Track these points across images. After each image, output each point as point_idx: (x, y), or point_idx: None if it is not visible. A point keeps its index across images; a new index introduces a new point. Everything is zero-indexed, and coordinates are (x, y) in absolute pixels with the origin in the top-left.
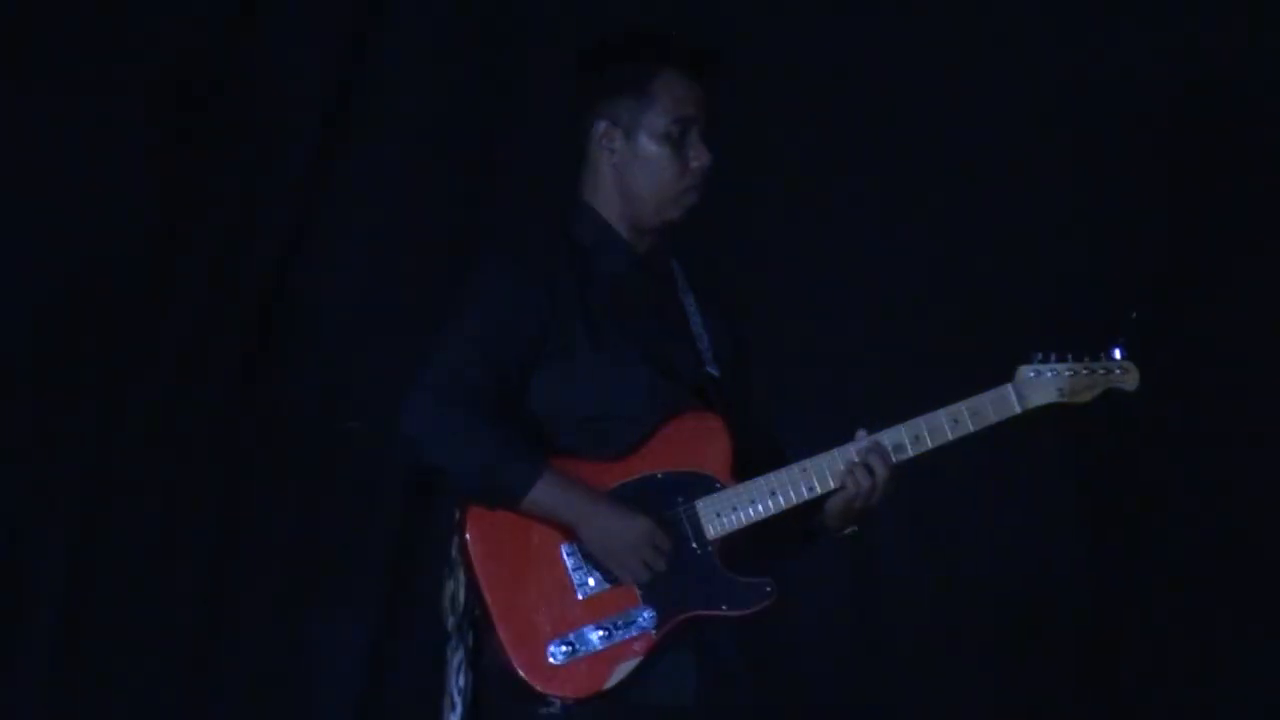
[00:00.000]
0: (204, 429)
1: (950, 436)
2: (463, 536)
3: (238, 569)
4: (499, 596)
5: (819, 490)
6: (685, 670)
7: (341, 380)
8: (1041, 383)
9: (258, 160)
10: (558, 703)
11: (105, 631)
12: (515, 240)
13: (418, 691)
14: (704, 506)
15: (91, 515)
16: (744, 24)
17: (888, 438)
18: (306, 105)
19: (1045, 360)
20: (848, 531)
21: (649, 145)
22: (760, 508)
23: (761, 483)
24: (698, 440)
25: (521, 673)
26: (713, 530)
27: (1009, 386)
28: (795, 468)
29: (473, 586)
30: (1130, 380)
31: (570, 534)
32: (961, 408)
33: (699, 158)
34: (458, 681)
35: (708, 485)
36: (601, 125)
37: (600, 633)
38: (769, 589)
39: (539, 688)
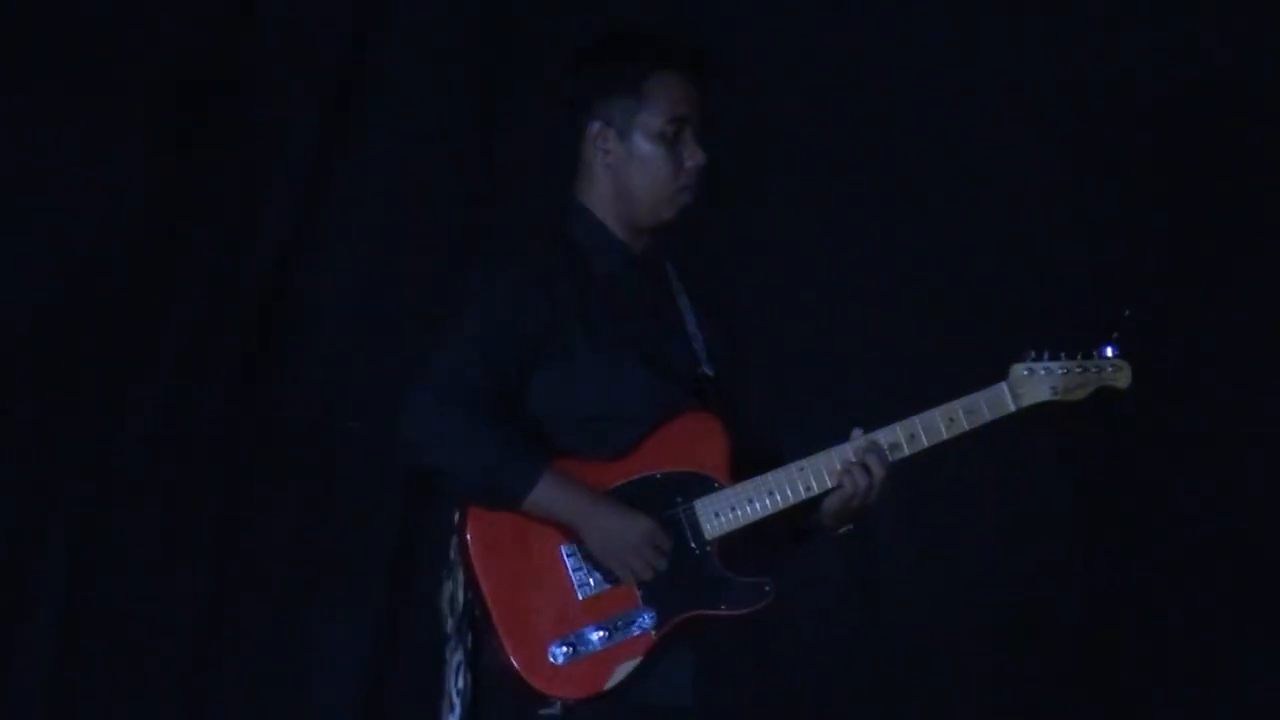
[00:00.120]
0: (204, 429)
1: (945, 435)
2: (463, 537)
3: (238, 569)
4: (499, 597)
5: (816, 489)
6: (685, 670)
7: (341, 380)
8: (1035, 381)
9: (258, 160)
10: (558, 703)
11: (105, 631)
12: (513, 241)
13: (418, 692)
14: (702, 506)
15: (91, 515)
16: (743, 24)
17: (884, 436)
18: (306, 105)
19: (1038, 359)
20: (843, 530)
21: (643, 145)
22: (758, 507)
23: (759, 482)
24: (696, 440)
25: (522, 673)
26: (711, 530)
27: (1003, 385)
28: (792, 467)
29: (472, 587)
30: (1122, 378)
31: (570, 534)
32: (957, 406)
33: (693, 157)
34: (456, 683)
35: (706, 485)
36: (595, 126)
37: (600, 633)
38: (767, 588)
39: (540, 688)
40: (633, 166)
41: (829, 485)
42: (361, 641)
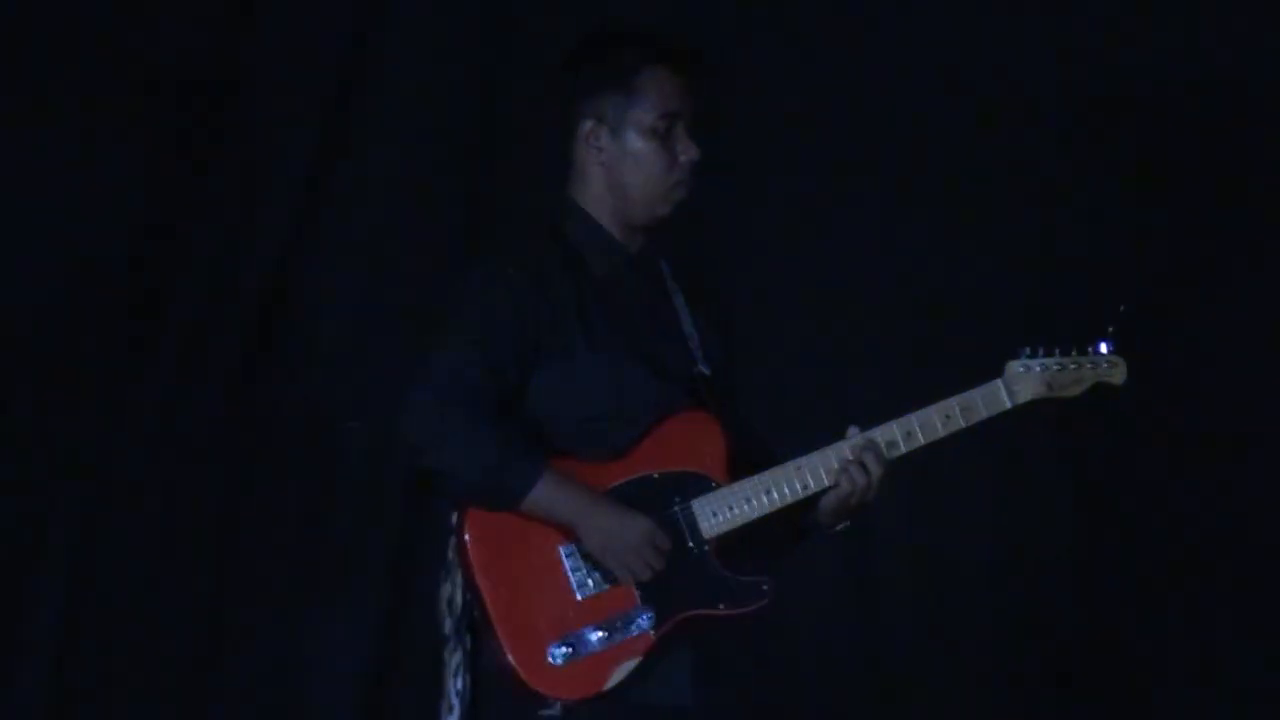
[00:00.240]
0: (204, 429)
1: (942, 432)
2: (461, 538)
3: (238, 569)
4: (498, 598)
5: (814, 488)
6: (684, 670)
7: (341, 380)
8: (1030, 377)
9: (258, 160)
10: (557, 704)
11: (105, 631)
12: (511, 241)
13: (418, 692)
14: (700, 506)
15: (92, 515)
16: (742, 24)
17: (880, 434)
18: (306, 105)
19: (1034, 355)
20: (840, 527)
21: (636, 141)
22: (755, 506)
23: (756, 481)
24: (693, 440)
25: (522, 674)
26: (709, 529)
27: (998, 382)
28: (790, 466)
29: (471, 588)
30: (1117, 374)
31: (569, 534)
32: (953, 403)
33: (686, 152)
34: (456, 684)
35: (703, 484)
36: (587, 124)
37: (600, 634)
38: (765, 587)
39: (539, 689)
40: (626, 163)
41: (826, 483)
42: (361, 641)
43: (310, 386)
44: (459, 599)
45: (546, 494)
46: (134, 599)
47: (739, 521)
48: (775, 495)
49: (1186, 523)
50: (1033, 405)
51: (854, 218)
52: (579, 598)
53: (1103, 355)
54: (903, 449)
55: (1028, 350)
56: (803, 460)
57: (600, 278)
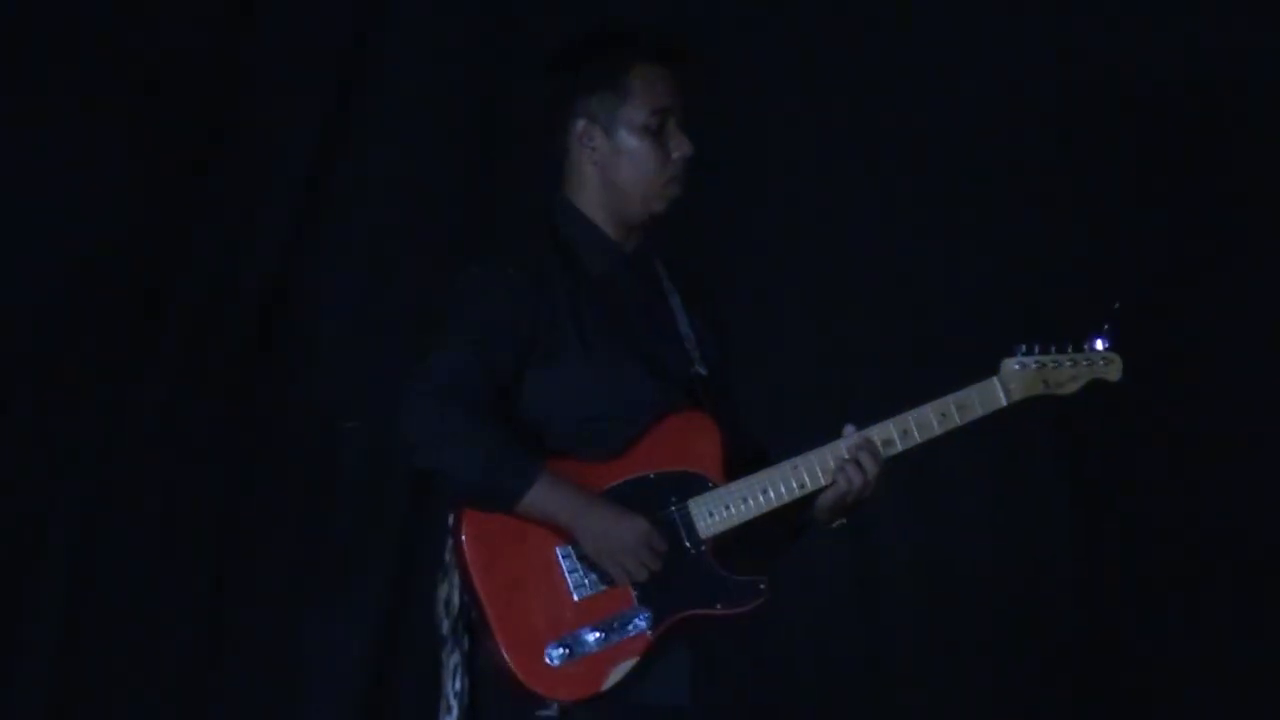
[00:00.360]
0: (204, 429)
1: (938, 430)
2: (458, 539)
3: (238, 569)
4: (495, 599)
5: (810, 487)
6: (682, 670)
7: (341, 380)
8: (1026, 375)
9: (258, 160)
10: (555, 705)
11: (106, 632)
12: (506, 241)
13: (417, 692)
14: (696, 506)
15: (92, 515)
16: (741, 23)
17: (876, 433)
18: (306, 105)
19: (1029, 352)
20: (836, 524)
21: (629, 139)
22: (752, 505)
23: (753, 480)
24: (689, 439)
25: (519, 675)
26: (705, 529)
27: (994, 379)
28: (786, 465)
29: (468, 589)
30: (1113, 371)
31: (566, 536)
32: (949, 401)
33: (680, 147)
34: (454, 685)
35: (700, 484)
36: (580, 124)
37: (597, 634)
38: (763, 586)
39: (536, 690)
40: (620, 162)
41: (823, 482)
42: (361, 641)
43: (310, 386)
44: (456, 600)
45: (543, 495)
46: (134, 599)
47: (735, 521)
48: (771, 495)
49: (1186, 521)
50: (1029, 403)
51: (853, 217)
52: (576, 599)
53: (1098, 352)
54: (899, 447)
55: (1023, 348)
56: (799, 459)
57: (596, 278)
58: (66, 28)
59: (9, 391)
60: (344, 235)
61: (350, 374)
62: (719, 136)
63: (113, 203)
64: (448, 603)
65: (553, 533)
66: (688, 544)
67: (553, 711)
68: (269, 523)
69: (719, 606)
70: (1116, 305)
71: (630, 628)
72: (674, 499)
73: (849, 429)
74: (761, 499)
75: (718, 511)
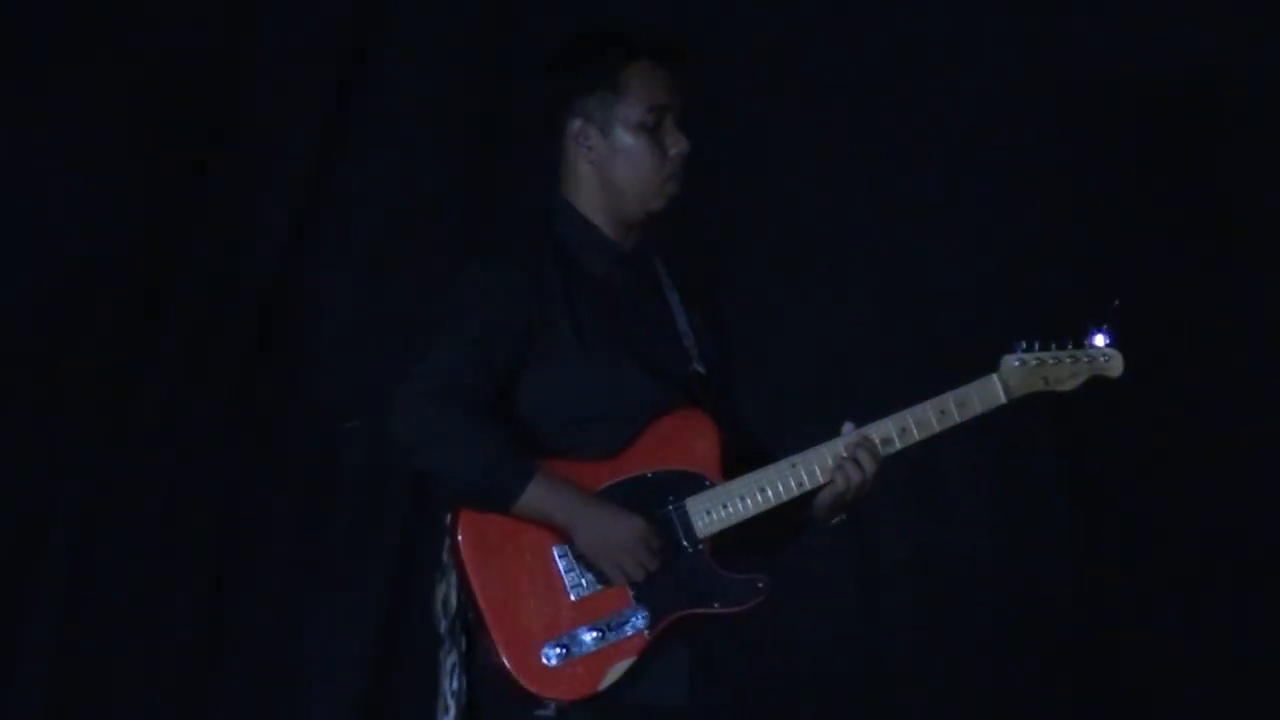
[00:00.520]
0: (204, 429)
1: (937, 428)
2: (454, 539)
3: (238, 569)
4: (491, 599)
5: (808, 485)
6: (680, 669)
7: (341, 380)
8: (1026, 372)
9: (258, 160)
10: (552, 705)
11: (106, 632)
12: (502, 241)
13: (417, 692)
14: (694, 504)
15: (92, 515)
16: (741, 22)
17: (875, 431)
18: (306, 105)
19: (1029, 349)
20: (835, 521)
21: (625, 138)
22: (750, 504)
23: (751, 479)
24: (686, 438)
25: (515, 675)
26: (703, 528)
27: (993, 376)
28: (784, 463)
29: (465, 589)
30: (1114, 367)
31: (562, 535)
32: (948, 399)
33: (677, 145)
34: (451, 685)
35: (697, 483)
36: (576, 123)
37: (594, 634)
38: (761, 585)
39: (533, 690)
40: (617, 160)
41: (821, 481)
42: (361, 641)
43: (310, 386)
44: (454, 600)
45: (538, 496)
46: (134, 599)
47: (733, 520)
48: (770, 494)
49: (1186, 521)
50: (1029, 400)
51: (853, 216)
52: (573, 598)
53: (1099, 348)
54: (898, 445)
55: (1023, 344)
56: (797, 458)
57: (594, 277)
58: (66, 28)
59: (9, 391)
60: (344, 235)
61: (350, 374)
62: (719, 136)
63: (113, 203)
64: (445, 602)
65: (549, 532)
66: (685, 543)
67: (550, 711)
68: (269, 523)
69: (717, 605)
70: (1116, 303)
71: (627, 627)
72: (671, 498)
73: (848, 427)
74: (760, 498)
75: (715, 510)
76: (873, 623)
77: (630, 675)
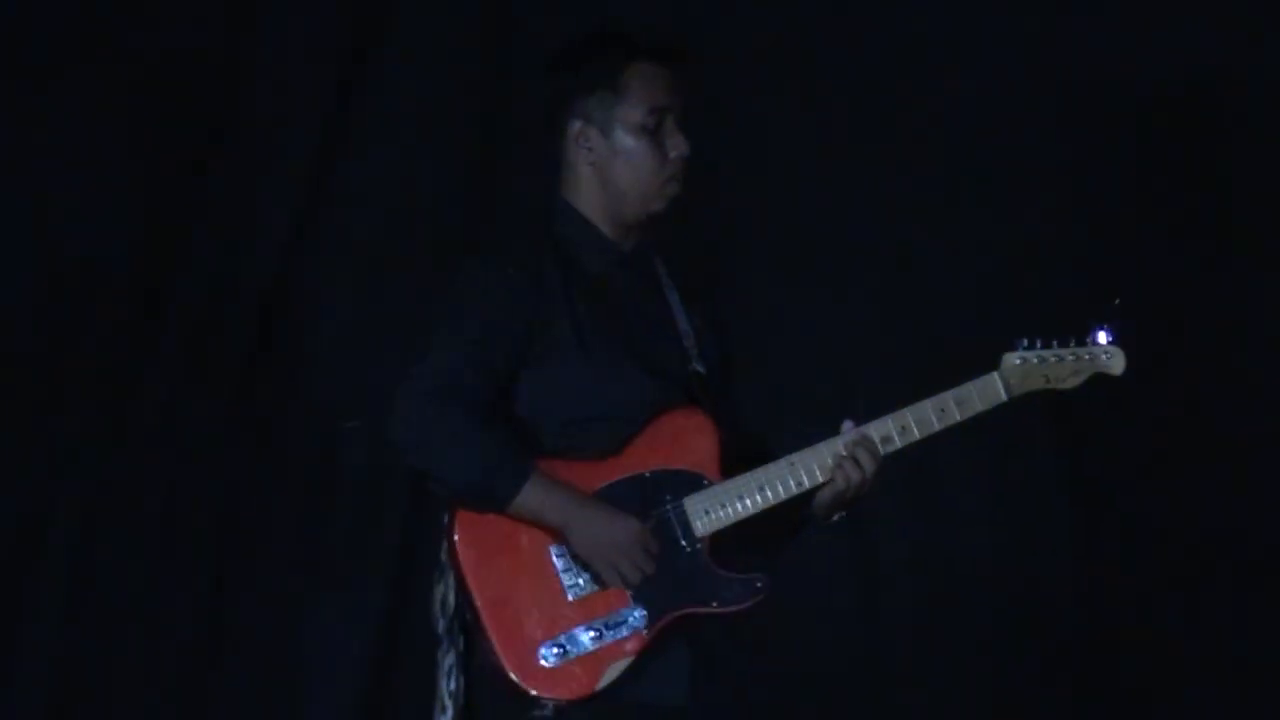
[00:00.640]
0: (204, 429)
1: (937, 426)
2: (451, 539)
3: (238, 569)
4: (488, 599)
5: (807, 485)
6: (678, 669)
7: (341, 380)
8: (1027, 369)
9: (258, 160)
10: (550, 704)
11: (106, 632)
12: (504, 241)
13: (417, 692)
14: (692, 504)
15: (92, 516)
16: (742, 21)
17: (875, 430)
18: (306, 105)
19: (1030, 347)
20: (834, 519)
21: (626, 139)
22: (749, 504)
23: (750, 478)
24: (685, 437)
25: (513, 675)
26: (701, 527)
27: (994, 374)
28: (783, 462)
29: (462, 589)
30: (1116, 365)
31: (559, 536)
32: (948, 397)
33: (677, 147)
34: (449, 685)
35: (695, 482)
36: (576, 125)
37: (591, 633)
38: (760, 584)
39: (530, 690)
40: (617, 162)
41: (820, 480)
42: (361, 641)
43: (310, 386)
44: (452, 600)
45: (534, 497)
46: (134, 599)
47: (732, 519)
48: (769, 493)
49: (1186, 521)
50: (1029, 397)
51: (853, 215)
52: (570, 598)
53: (1101, 345)
54: (898, 444)
55: (1024, 342)
56: (796, 456)
57: (593, 277)
58: (66, 28)
59: (9, 391)
60: (344, 235)
61: (350, 374)
62: (719, 136)
63: (113, 203)
64: (443, 602)
65: (547, 532)
66: (684, 542)
67: (547, 711)
68: (269, 523)
69: (715, 604)
70: (1116, 301)
71: (625, 627)
72: (669, 497)
73: (848, 425)
74: (758, 497)
75: (714, 510)
76: (873, 623)
77: (628, 675)
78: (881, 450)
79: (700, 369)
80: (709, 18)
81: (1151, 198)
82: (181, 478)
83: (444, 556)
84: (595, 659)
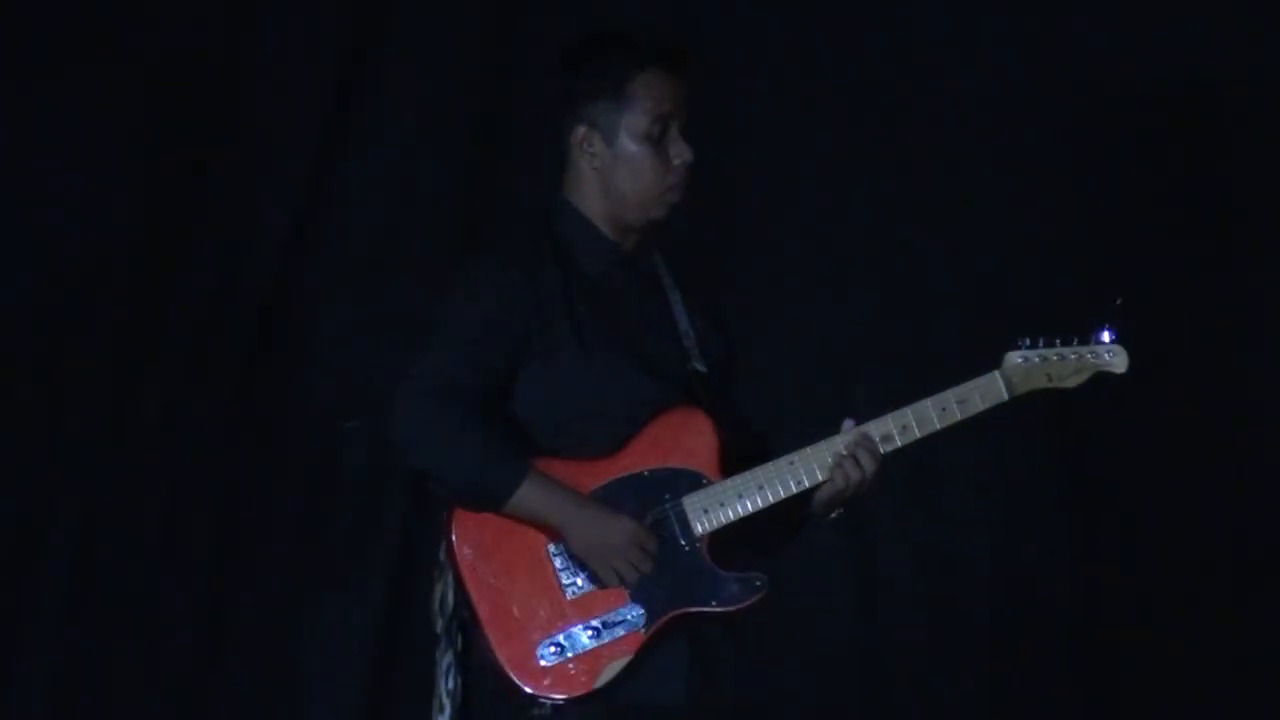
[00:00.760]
0: (204, 429)
1: (938, 425)
2: (449, 538)
3: (238, 568)
4: (486, 598)
5: (807, 484)
6: (676, 668)
7: (341, 380)
8: (1029, 368)
9: (258, 160)
10: (547, 703)
11: (106, 632)
12: (502, 240)
13: (417, 692)
14: (690, 503)
15: (93, 516)
16: (743, 22)
17: (875, 429)
18: (306, 105)
19: (1032, 345)
20: (833, 516)
21: (629, 146)
22: (748, 503)
23: (749, 477)
24: (684, 436)
25: (510, 674)
26: (700, 527)
27: (996, 373)
28: (783, 461)
29: (460, 588)
30: (1119, 364)
31: (557, 535)
32: (949, 396)
33: (681, 155)
34: (447, 684)
35: (694, 481)
36: (580, 130)
37: (589, 632)
38: (759, 583)
39: (528, 688)
40: (620, 169)
41: (820, 479)
42: (361, 641)
43: (310, 386)
44: (450, 599)
45: (530, 497)
46: (134, 599)
47: (731, 519)
48: (768, 492)
49: (1186, 521)
50: (1031, 397)
51: (854, 214)
52: (568, 597)
53: (1104, 344)
54: (898, 442)
55: (1026, 340)
56: (796, 456)
57: (593, 276)
58: (66, 28)
59: (9, 391)
60: (344, 235)
61: (350, 374)
62: (719, 135)
63: (113, 203)
64: (442, 601)
65: (545, 531)
66: (682, 541)
67: (545, 710)
68: (269, 523)
69: (714, 604)
70: (1118, 300)
71: (623, 626)
72: (668, 496)
73: (848, 424)
74: (758, 496)
75: (713, 509)
76: (872, 623)
77: (626, 673)
78: (882, 449)
79: (701, 368)
80: (709, 17)
81: (1151, 198)
82: (181, 478)
83: (443, 555)
84: (593, 658)
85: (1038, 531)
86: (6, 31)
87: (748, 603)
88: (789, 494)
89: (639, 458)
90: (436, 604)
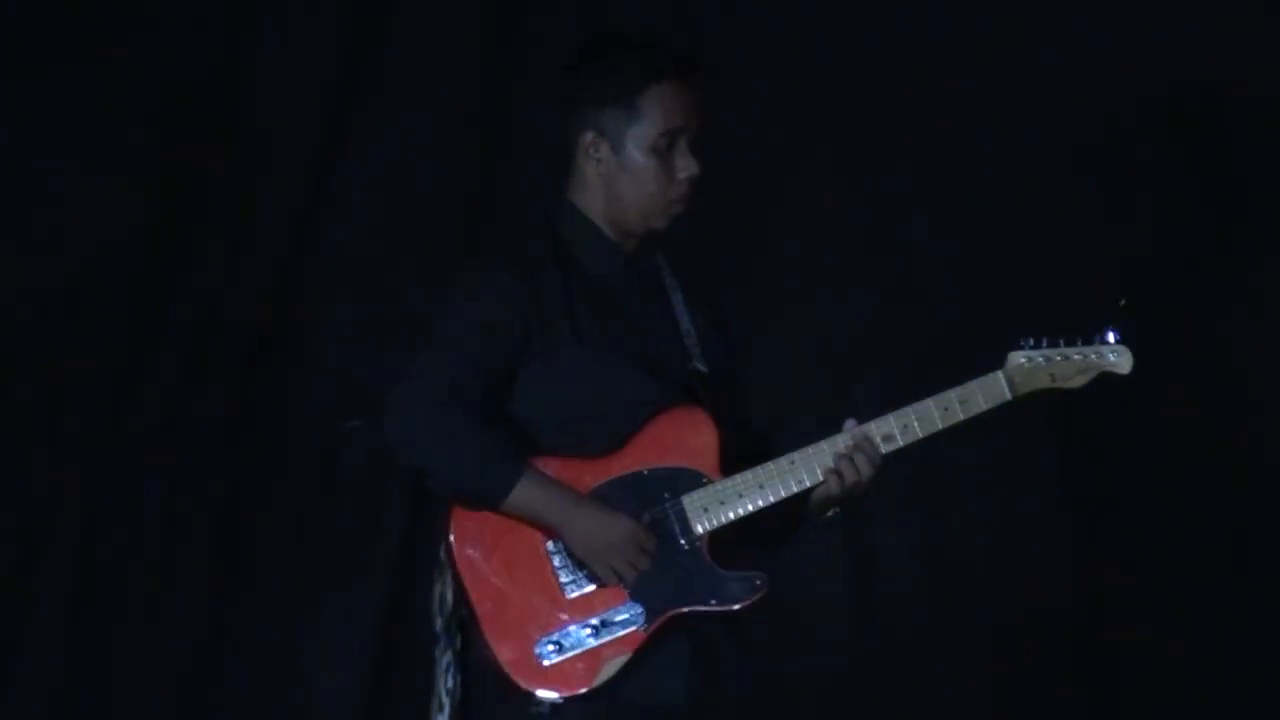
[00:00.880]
0: (205, 429)
1: (940, 425)
2: (448, 538)
3: (238, 568)
4: (485, 596)
5: (807, 483)
6: (676, 666)
7: (341, 380)
8: (1032, 368)
9: (258, 160)
10: (546, 701)
11: (107, 632)
12: (503, 240)
13: (417, 692)
14: (690, 502)
15: (93, 516)
16: (744, 24)
17: (877, 428)
18: (306, 105)
19: (1036, 346)
20: (830, 513)
21: (636, 157)
22: (748, 503)
23: (749, 476)
24: (685, 435)
25: (509, 672)
26: (700, 526)
27: (999, 373)
28: (783, 461)
29: (459, 587)
30: (1123, 364)
31: (555, 534)
32: (951, 395)
33: (687, 168)
34: (446, 683)
35: (694, 480)
36: (589, 135)
37: (588, 631)
38: (759, 582)
39: (527, 687)
40: (625, 178)
41: (820, 479)
42: (362, 641)
43: (310, 386)
44: (449, 598)
45: (527, 496)
46: (134, 599)
47: (731, 518)
48: (769, 492)
49: (1186, 520)
50: (1034, 396)
51: (855, 214)
52: (567, 595)
53: (1109, 345)
54: (899, 442)
55: (1030, 340)
56: (796, 455)
57: (594, 277)
58: (66, 28)
59: (9, 391)
60: (344, 235)
61: (350, 374)
62: (720, 136)
63: (113, 203)
64: (441, 600)
65: (543, 529)
66: (682, 540)
67: (544, 708)
68: (269, 523)
69: (714, 602)
70: (1122, 301)
71: (623, 624)
72: (668, 495)
73: (849, 423)
74: (758, 495)
75: (713, 508)
76: (872, 623)
77: (626, 672)
78: (883, 448)
79: (702, 368)
80: (709, 18)
81: (1152, 198)
82: (181, 478)
83: (442, 555)
84: (593, 656)
85: (1039, 531)
86: (6, 31)
87: (748, 602)
88: (789, 494)
89: (639, 456)
90: (436, 603)
